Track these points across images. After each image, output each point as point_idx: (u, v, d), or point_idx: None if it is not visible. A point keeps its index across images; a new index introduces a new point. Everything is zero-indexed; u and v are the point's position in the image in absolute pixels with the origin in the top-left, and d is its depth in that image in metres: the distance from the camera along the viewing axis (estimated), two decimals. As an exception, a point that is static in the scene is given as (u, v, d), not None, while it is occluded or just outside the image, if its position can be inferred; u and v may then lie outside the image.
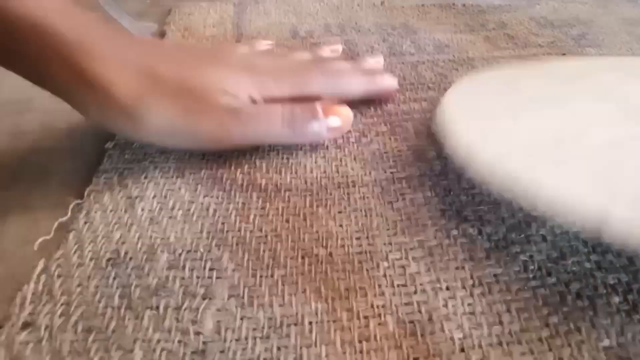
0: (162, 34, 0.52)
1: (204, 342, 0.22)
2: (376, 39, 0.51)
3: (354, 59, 0.42)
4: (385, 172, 0.32)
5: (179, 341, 0.22)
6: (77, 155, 0.34)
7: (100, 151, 0.33)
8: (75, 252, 0.26)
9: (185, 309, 0.23)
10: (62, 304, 0.23)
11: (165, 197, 0.30)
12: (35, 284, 0.24)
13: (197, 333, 0.22)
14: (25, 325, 0.23)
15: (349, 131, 0.35)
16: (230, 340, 0.22)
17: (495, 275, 0.25)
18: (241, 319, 0.23)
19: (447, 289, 0.24)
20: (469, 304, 0.23)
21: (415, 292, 0.24)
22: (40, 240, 0.27)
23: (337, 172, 0.32)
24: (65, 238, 0.27)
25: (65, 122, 0.37)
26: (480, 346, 0.22)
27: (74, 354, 0.22)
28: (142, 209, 0.29)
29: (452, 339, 0.22)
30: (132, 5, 0.58)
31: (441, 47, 0.49)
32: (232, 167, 0.32)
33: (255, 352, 0.22)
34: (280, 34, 0.51)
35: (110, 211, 0.29)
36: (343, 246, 0.27)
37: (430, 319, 0.23)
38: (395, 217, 0.29)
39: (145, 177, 0.31)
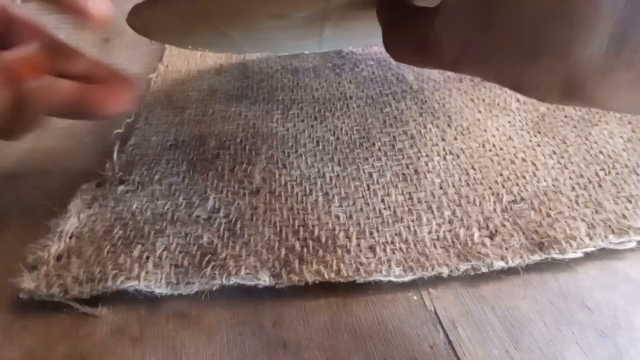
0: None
1: (256, 187, 0.31)
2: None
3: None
4: (375, 90, 0.41)
5: (238, 187, 0.31)
6: (77, 155, 0.34)
7: (101, 151, 0.33)
8: (143, 141, 0.34)
9: (237, 171, 0.32)
10: (145, 169, 0.32)
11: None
12: (118, 157, 0.33)
13: (250, 182, 0.31)
14: (121, 181, 0.31)
15: (344, 62, 0.44)
16: (273, 186, 0.31)
17: (461, 149, 0.34)
18: (279, 175, 0.32)
19: (427, 156, 0.33)
20: (443, 164, 0.33)
21: (403, 158, 0.33)
22: (114, 132, 0.34)
23: (337, 90, 0.41)
24: (133, 133, 0.35)
25: (66, 122, 0.36)
26: (453, 185, 0.31)
27: (162, 197, 0.30)
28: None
29: (432, 182, 0.31)
30: (132, 5, 0.60)
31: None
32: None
33: (294, 191, 0.30)
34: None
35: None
36: (347, 134, 0.35)
37: (416, 172, 0.32)
38: (384, 117, 0.37)
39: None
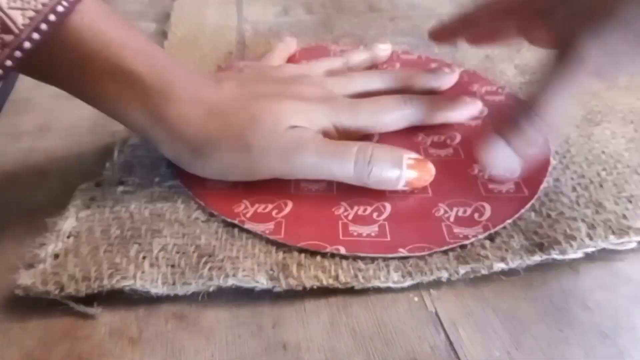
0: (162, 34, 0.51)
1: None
2: (358, -1, 0.59)
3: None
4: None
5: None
6: (77, 155, 0.34)
7: (101, 151, 0.34)
8: (144, 142, 0.34)
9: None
10: (145, 171, 0.32)
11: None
12: (118, 158, 0.33)
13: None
14: (121, 182, 0.31)
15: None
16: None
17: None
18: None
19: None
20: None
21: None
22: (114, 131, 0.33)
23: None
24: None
25: (65, 122, 0.37)
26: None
27: (162, 198, 0.30)
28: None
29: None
30: (131, 5, 0.58)
31: (413, 6, 0.58)
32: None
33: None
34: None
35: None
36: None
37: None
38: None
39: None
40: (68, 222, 0.28)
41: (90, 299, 0.24)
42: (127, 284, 0.24)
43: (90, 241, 0.27)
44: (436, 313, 0.25)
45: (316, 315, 0.25)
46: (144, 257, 0.26)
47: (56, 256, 0.26)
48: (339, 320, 0.24)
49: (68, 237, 0.27)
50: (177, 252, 0.26)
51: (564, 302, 0.25)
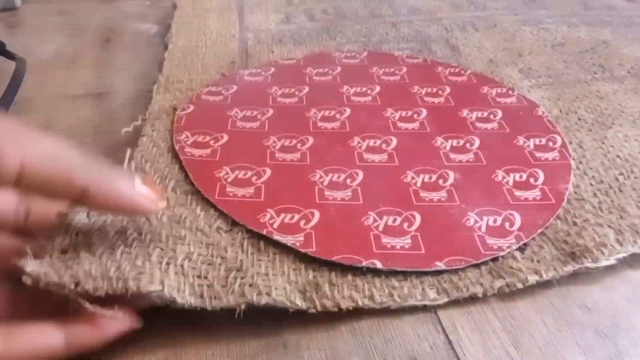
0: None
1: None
2: (359, 4, 0.60)
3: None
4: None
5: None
6: None
7: (102, 152, 0.33)
8: (153, 147, 0.34)
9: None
10: (157, 176, 0.31)
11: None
12: (129, 165, 0.31)
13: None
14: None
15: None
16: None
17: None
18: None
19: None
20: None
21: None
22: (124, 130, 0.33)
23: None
24: (140, 140, 0.35)
25: (67, 123, 0.38)
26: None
27: (179, 205, 0.29)
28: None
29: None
30: (132, 6, 0.58)
31: (414, 10, 0.58)
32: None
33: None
34: None
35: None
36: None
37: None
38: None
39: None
40: (78, 218, 0.25)
41: (90, 299, 0.24)
42: (154, 289, 0.23)
43: (103, 240, 0.25)
44: (435, 312, 0.25)
45: (316, 313, 0.25)
46: (167, 264, 0.24)
47: (64, 251, 0.24)
48: (338, 319, 0.25)
49: (77, 234, 0.25)
50: (203, 263, 0.25)
51: (562, 302, 0.25)
